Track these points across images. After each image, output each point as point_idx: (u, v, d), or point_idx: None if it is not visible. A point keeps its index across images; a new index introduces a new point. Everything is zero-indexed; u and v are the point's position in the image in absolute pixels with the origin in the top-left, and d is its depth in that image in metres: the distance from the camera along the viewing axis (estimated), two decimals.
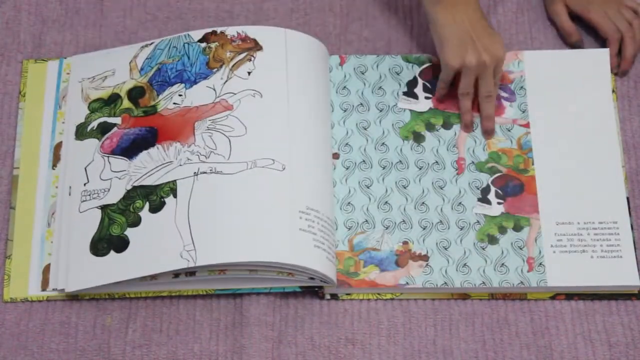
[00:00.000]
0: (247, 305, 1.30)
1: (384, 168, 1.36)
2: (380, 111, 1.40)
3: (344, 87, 1.41)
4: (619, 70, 1.43)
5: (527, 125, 1.39)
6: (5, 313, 1.31)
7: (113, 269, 1.28)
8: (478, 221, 1.34)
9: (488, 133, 1.38)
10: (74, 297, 1.31)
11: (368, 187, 1.36)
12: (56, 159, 1.38)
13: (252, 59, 1.36)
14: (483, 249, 1.32)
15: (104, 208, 1.31)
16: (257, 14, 1.48)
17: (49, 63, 1.44)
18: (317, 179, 1.32)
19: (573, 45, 1.45)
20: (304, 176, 1.31)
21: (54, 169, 1.37)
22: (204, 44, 1.38)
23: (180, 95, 1.36)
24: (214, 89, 1.35)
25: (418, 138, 1.38)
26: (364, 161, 1.37)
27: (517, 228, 1.33)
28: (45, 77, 1.43)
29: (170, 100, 1.36)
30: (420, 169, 1.37)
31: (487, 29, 1.34)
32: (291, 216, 1.28)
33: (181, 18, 1.48)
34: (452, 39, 1.34)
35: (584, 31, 1.46)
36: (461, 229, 1.33)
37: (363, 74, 1.42)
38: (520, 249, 1.32)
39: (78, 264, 1.29)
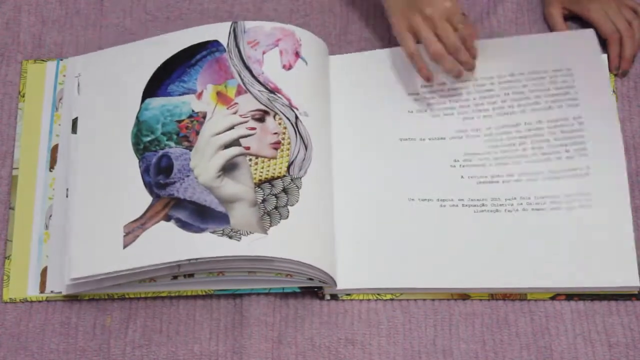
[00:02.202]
0: (247, 305, 1.30)
1: None
2: None
3: None
4: (619, 71, 1.43)
5: None
6: (5, 313, 1.31)
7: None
8: None
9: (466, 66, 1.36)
10: (74, 298, 1.31)
11: None
12: (53, 161, 1.38)
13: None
14: None
15: None
16: (257, 14, 1.48)
17: (48, 64, 1.44)
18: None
19: None
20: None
21: (51, 171, 1.37)
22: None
23: None
24: None
25: None
26: None
27: None
28: (44, 78, 1.43)
29: None
30: None
31: None
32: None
33: (181, 18, 1.48)
34: (395, 8, 1.34)
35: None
36: None
37: None
38: None
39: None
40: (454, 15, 1.32)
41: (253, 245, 1.25)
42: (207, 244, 1.25)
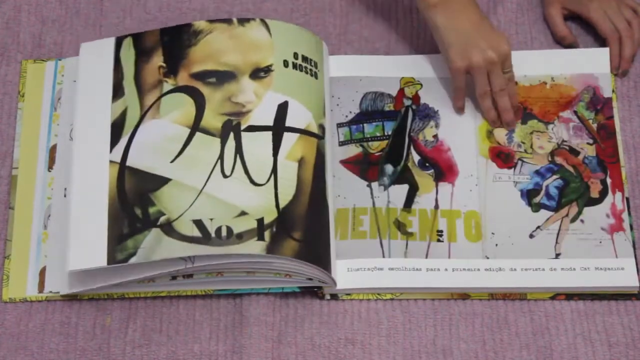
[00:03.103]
0: (247, 305, 1.30)
1: None
2: None
3: None
4: (619, 70, 1.43)
5: None
6: (5, 313, 1.31)
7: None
8: None
9: (509, 124, 1.39)
10: (74, 297, 1.31)
11: None
12: (51, 161, 1.38)
13: None
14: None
15: None
16: (257, 13, 1.48)
17: (47, 63, 1.44)
18: None
19: (568, 48, 1.46)
20: None
21: (49, 171, 1.37)
22: None
23: None
24: None
25: None
26: None
27: None
28: (44, 77, 1.43)
29: None
30: None
31: (489, 28, 1.34)
32: None
33: (181, 18, 1.48)
34: (456, 42, 1.34)
35: (584, 31, 1.47)
36: None
37: None
38: None
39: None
40: (507, 60, 1.35)
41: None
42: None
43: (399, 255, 1.32)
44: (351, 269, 1.31)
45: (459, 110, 1.39)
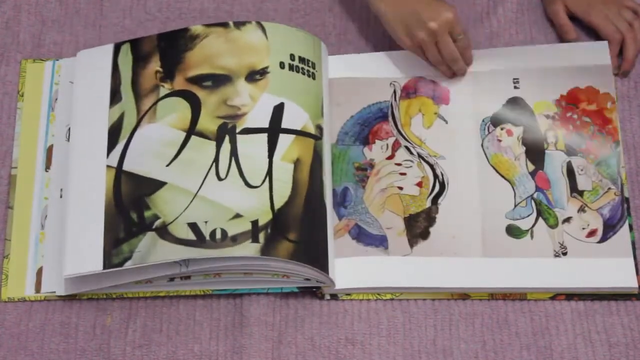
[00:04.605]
0: (247, 305, 1.30)
1: None
2: None
3: None
4: (620, 71, 1.43)
5: None
6: (5, 313, 1.31)
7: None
8: None
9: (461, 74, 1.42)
10: (73, 297, 1.31)
11: None
12: (49, 161, 1.38)
13: None
14: None
15: None
16: (257, 14, 1.48)
17: (46, 64, 1.44)
18: None
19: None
20: None
21: (47, 171, 1.37)
22: None
23: None
24: None
25: None
26: None
27: None
28: (43, 77, 1.43)
29: None
30: None
31: (430, 1, 1.36)
32: None
33: (181, 18, 1.48)
34: (400, 24, 1.36)
35: (585, 33, 1.47)
36: None
37: None
38: None
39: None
40: (455, 27, 1.36)
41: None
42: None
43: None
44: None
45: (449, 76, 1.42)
